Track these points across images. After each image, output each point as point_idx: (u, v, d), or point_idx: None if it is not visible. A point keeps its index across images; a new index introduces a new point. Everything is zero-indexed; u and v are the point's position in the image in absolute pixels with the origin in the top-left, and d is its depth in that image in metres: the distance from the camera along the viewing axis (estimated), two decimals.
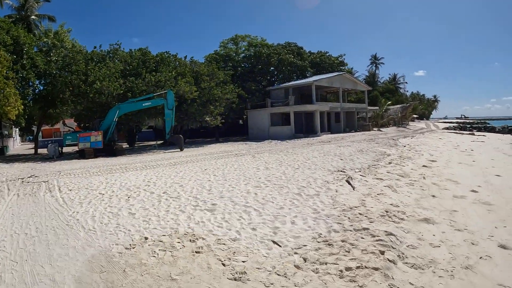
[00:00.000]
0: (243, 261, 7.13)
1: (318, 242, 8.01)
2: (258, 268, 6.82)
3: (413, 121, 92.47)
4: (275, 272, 6.63)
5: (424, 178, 15.65)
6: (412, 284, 6.33)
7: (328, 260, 7.09)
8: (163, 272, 6.79)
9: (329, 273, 6.58)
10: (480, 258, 7.63)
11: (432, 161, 21.26)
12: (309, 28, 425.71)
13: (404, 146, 28.83)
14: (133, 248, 8.03)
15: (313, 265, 6.89)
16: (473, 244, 8.44)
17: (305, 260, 7.12)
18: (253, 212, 10.36)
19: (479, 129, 69.00)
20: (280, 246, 7.85)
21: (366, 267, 6.77)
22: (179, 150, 34.07)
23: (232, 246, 7.93)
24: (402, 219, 9.78)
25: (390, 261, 7.07)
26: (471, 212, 11.15)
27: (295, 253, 7.46)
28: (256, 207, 10.89)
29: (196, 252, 7.68)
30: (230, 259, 7.23)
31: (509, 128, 67.07)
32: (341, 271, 6.64)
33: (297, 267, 6.84)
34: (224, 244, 8.05)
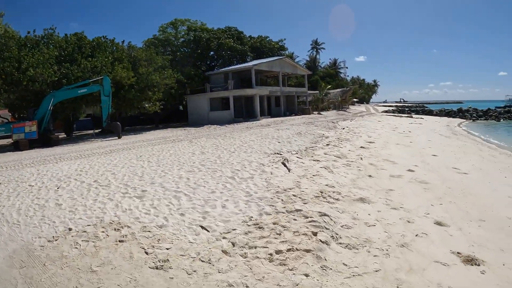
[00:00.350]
0: (167, 249, 6.74)
1: (249, 225, 7.69)
2: (182, 255, 6.45)
3: (353, 104, 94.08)
4: (199, 259, 6.29)
5: (361, 158, 15.69)
6: (346, 265, 6.15)
7: (258, 243, 6.78)
8: (83, 264, 6.36)
9: (258, 257, 6.27)
10: (416, 235, 7.60)
11: (370, 142, 21.49)
12: (250, 13, 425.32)
13: (343, 129, 29.06)
14: (56, 240, 7.50)
15: (242, 250, 6.57)
16: (409, 222, 8.42)
17: (233, 244, 6.80)
18: (183, 197, 9.92)
19: (417, 112, 71.78)
20: (208, 231, 7.47)
21: (297, 249, 6.51)
22: (117, 138, 33.17)
23: (157, 233, 7.50)
24: (337, 199, 9.62)
25: (323, 242, 6.84)
26: (407, 191, 11.23)
27: (224, 237, 7.12)
28: (187, 192, 10.45)
29: (119, 241, 7.23)
30: (153, 247, 6.83)
31: (446, 111, 70.08)
32: (270, 254, 6.35)
33: (225, 252, 6.50)
34: (149, 231, 7.61)
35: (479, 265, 6.47)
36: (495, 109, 69.29)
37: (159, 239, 7.17)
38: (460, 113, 66.21)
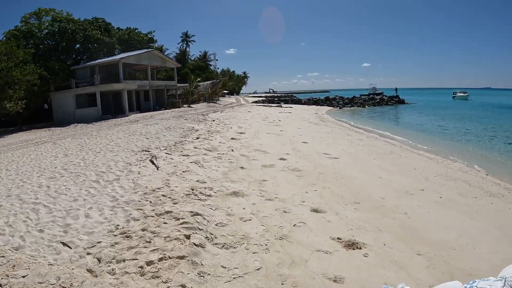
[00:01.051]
0: (23, 276, 5.76)
1: (115, 235, 6.98)
2: (40, 283, 5.53)
3: (224, 96, 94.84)
4: (60, 285, 5.43)
5: (232, 150, 15.56)
6: (225, 267, 5.83)
7: (126, 256, 6.14)
8: None
9: (127, 272, 5.65)
10: (294, 225, 7.54)
11: (241, 133, 21.52)
12: (118, 2, 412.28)
13: (213, 121, 28.95)
14: None
15: (108, 266, 5.88)
16: (285, 212, 8.34)
17: (99, 260, 6.07)
18: (42, 210, 8.81)
19: (287, 102, 74.21)
20: (70, 247, 6.62)
21: (170, 257, 6.02)
22: None
23: (12, 258, 6.41)
24: (209, 195, 9.28)
25: (197, 245, 6.45)
26: (281, 180, 11.22)
27: (88, 253, 6.34)
28: (47, 202, 9.34)
29: None
30: (8, 277, 5.79)
31: (314, 99, 73.90)
32: (141, 267, 5.77)
33: (90, 271, 5.78)
34: (3, 256, 6.49)
35: (360, 248, 6.56)
36: (360, 97, 74.58)
37: (14, 265, 6.13)
38: (328, 101, 69.96)
